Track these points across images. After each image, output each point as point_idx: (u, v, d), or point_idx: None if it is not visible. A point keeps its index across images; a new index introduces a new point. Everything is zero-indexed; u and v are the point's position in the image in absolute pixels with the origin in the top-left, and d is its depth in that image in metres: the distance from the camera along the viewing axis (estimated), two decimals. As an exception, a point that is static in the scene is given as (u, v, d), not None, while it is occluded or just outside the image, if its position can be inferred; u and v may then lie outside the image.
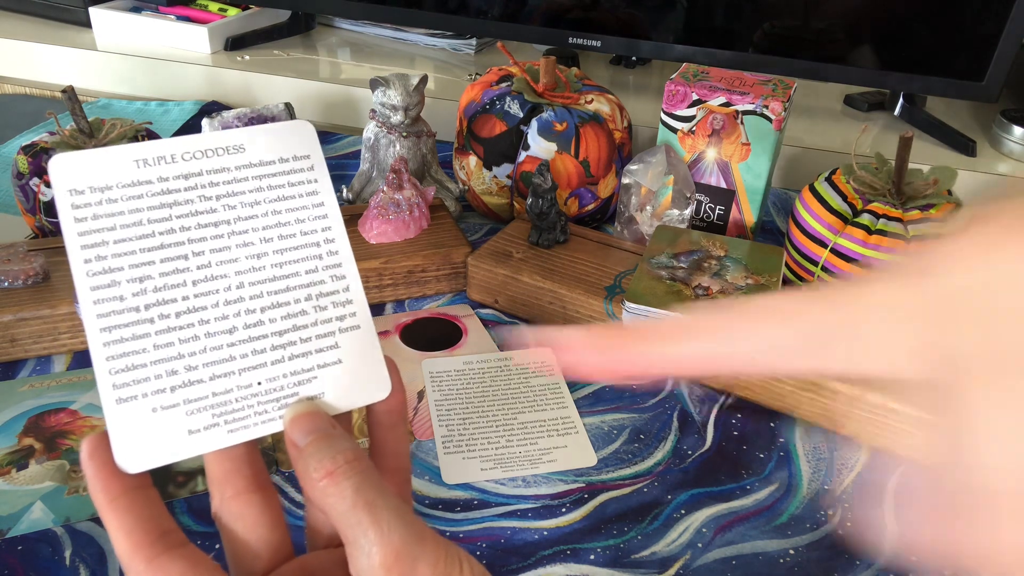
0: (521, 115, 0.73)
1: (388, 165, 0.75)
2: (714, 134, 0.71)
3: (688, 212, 0.69)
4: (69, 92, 0.67)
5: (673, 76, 0.72)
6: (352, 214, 0.70)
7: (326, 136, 0.96)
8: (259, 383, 0.26)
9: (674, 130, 0.73)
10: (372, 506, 0.23)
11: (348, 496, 0.24)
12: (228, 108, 0.87)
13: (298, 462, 0.25)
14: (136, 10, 1.12)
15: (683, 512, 0.49)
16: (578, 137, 0.72)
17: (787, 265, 0.68)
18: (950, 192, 0.64)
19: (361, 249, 0.66)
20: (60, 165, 0.25)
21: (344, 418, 0.28)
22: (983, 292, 0.20)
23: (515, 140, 0.74)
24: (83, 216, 0.25)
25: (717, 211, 0.74)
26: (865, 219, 0.62)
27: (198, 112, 0.99)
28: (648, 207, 0.69)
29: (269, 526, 0.26)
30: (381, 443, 0.28)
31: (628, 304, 0.58)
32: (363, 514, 0.23)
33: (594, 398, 0.58)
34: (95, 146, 0.68)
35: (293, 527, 0.49)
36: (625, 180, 0.69)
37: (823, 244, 0.64)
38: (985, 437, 0.20)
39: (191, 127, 0.95)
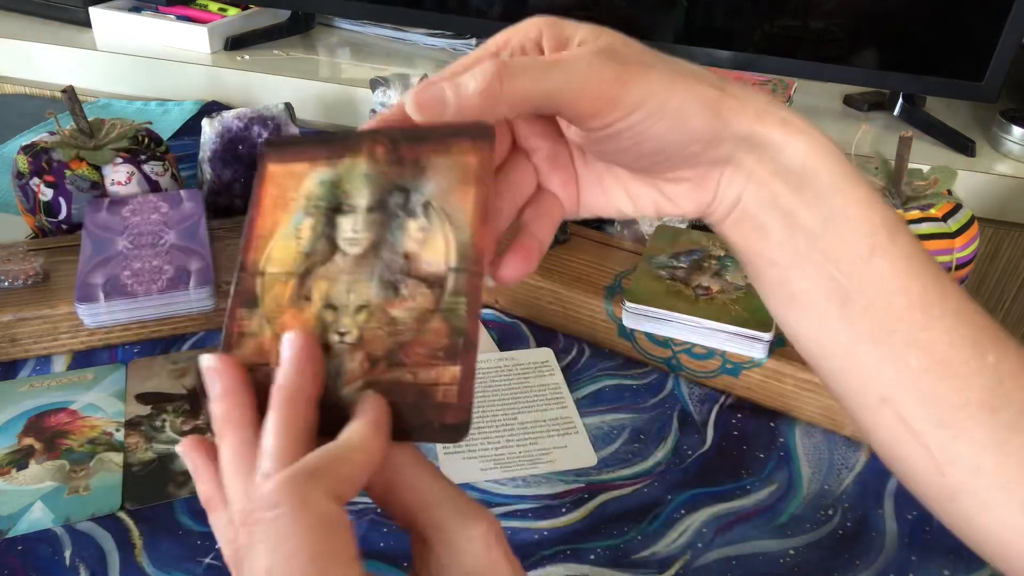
0: (521, 115, 0.73)
1: (388, 165, 0.75)
2: (714, 134, 0.71)
3: (688, 212, 0.69)
4: (69, 92, 0.66)
5: (673, 76, 0.72)
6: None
7: (326, 136, 0.96)
8: None
9: (674, 130, 0.72)
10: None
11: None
12: (228, 108, 0.87)
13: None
14: (136, 10, 1.12)
15: (683, 512, 0.49)
16: (578, 137, 0.72)
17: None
18: (950, 192, 0.64)
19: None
20: None
21: None
22: None
23: (515, 140, 0.73)
24: None
25: (717, 211, 0.74)
26: (865, 219, 0.62)
27: (198, 112, 0.99)
28: (648, 207, 0.68)
29: None
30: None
31: (628, 304, 0.58)
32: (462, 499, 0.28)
33: (594, 398, 0.58)
34: (95, 146, 0.68)
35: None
36: (625, 180, 0.69)
37: (823, 244, 0.63)
38: None
39: (191, 127, 0.95)
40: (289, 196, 0.31)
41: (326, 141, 0.32)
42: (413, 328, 0.28)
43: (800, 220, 0.30)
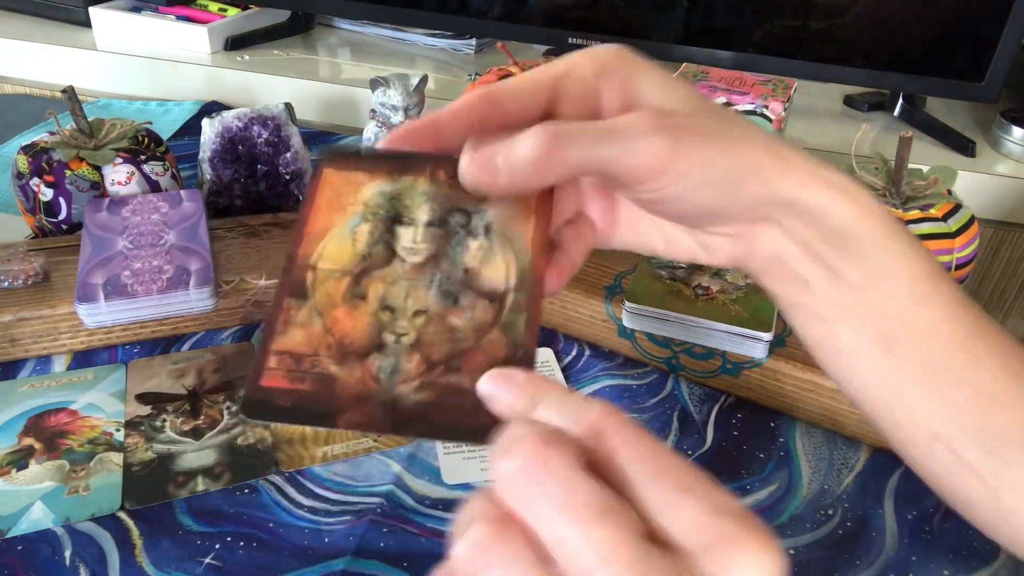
0: (521, 115, 0.73)
1: (388, 165, 0.75)
2: (714, 134, 0.71)
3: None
4: (69, 92, 0.67)
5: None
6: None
7: (326, 136, 0.96)
8: None
9: (674, 130, 0.72)
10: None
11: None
12: (228, 108, 0.87)
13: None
14: (136, 10, 1.12)
15: (683, 512, 0.49)
16: (578, 137, 0.72)
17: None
18: (950, 192, 0.64)
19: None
20: None
21: None
22: None
23: (515, 140, 0.73)
24: None
25: (717, 211, 0.74)
26: (865, 219, 0.62)
27: (198, 112, 0.99)
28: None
29: None
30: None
31: (628, 304, 0.58)
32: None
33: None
34: (95, 146, 0.68)
35: (292, 527, 0.49)
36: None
37: (823, 244, 0.63)
38: None
39: (191, 127, 0.95)
40: (346, 201, 0.31)
41: (386, 158, 0.32)
42: (471, 337, 0.28)
43: (844, 275, 0.31)
